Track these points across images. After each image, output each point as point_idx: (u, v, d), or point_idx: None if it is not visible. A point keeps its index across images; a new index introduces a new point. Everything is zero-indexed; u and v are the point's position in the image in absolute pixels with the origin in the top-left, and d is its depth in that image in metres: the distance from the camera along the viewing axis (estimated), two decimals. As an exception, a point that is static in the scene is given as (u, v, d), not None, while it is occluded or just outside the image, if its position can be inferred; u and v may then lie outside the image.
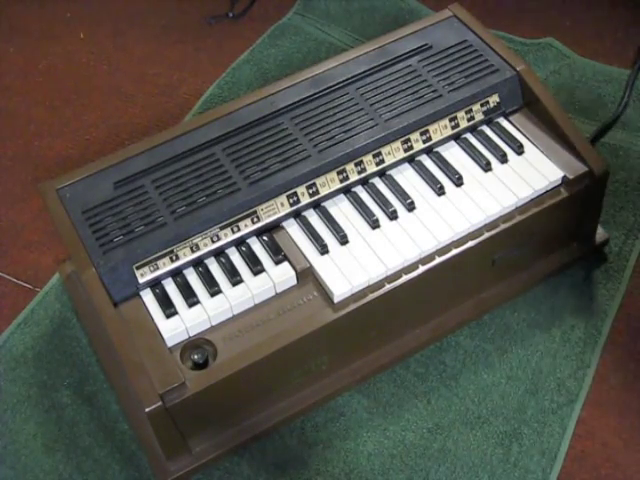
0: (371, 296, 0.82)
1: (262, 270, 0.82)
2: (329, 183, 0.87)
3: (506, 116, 0.94)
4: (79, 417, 0.92)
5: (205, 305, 0.80)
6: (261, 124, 0.90)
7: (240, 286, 0.81)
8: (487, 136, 0.92)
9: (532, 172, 0.89)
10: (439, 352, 0.95)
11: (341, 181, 0.87)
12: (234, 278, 0.81)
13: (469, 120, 0.92)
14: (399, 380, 0.93)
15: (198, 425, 0.83)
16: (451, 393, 0.92)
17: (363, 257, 0.83)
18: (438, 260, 0.84)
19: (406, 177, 0.89)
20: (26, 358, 0.98)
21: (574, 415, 0.89)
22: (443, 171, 0.90)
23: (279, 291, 0.82)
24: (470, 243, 0.85)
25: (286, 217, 0.86)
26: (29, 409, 0.93)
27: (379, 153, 0.88)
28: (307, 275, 0.82)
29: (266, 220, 0.84)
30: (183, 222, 0.82)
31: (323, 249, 0.84)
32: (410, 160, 0.91)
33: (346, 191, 0.88)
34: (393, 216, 0.86)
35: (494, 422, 0.89)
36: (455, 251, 0.85)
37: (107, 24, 1.44)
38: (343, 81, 0.93)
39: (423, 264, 0.84)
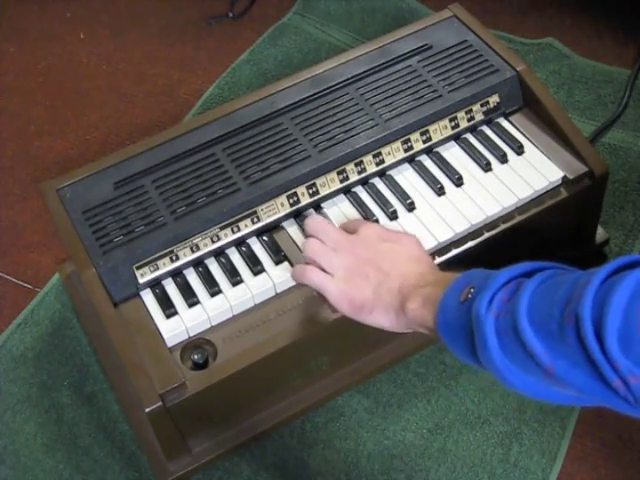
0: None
1: (262, 270, 0.82)
2: (329, 183, 0.87)
3: (506, 116, 0.94)
4: (79, 417, 0.92)
5: (205, 305, 0.80)
6: (261, 124, 0.90)
7: (240, 286, 0.81)
8: (487, 136, 0.92)
9: (532, 172, 0.89)
10: (439, 352, 0.95)
11: (341, 181, 0.87)
12: (234, 278, 0.81)
13: (469, 120, 0.92)
14: (399, 380, 0.93)
15: (198, 425, 0.83)
16: (451, 393, 0.92)
17: (363, 257, 0.83)
18: (438, 260, 0.84)
19: (406, 177, 0.90)
20: (26, 358, 0.98)
21: (574, 415, 0.89)
22: (443, 171, 0.90)
23: (279, 291, 0.82)
24: (470, 243, 0.85)
25: (286, 217, 0.86)
26: (29, 409, 0.93)
27: (379, 153, 0.88)
28: (307, 275, 0.82)
29: (266, 220, 0.84)
30: (183, 222, 0.82)
31: (323, 249, 0.83)
32: (410, 160, 0.91)
33: (346, 191, 0.88)
34: (393, 216, 0.86)
35: (494, 422, 0.89)
36: (455, 251, 0.85)
37: (107, 24, 1.44)
38: (343, 81, 0.93)
39: (423, 264, 0.84)
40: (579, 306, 0.51)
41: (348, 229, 0.78)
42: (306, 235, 0.79)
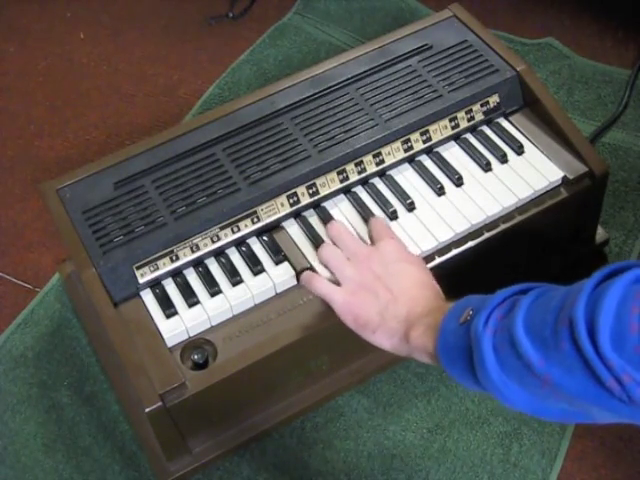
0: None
1: (262, 270, 0.82)
2: (329, 183, 0.87)
3: (506, 116, 0.94)
4: (79, 417, 0.92)
5: (205, 305, 0.80)
6: (261, 124, 0.90)
7: (240, 286, 0.81)
8: (487, 136, 0.92)
9: (532, 172, 0.89)
10: (439, 352, 0.95)
11: (341, 181, 0.87)
12: (234, 278, 0.81)
13: (469, 120, 0.92)
14: (399, 380, 0.93)
15: (198, 425, 0.83)
16: (451, 393, 0.92)
17: (363, 257, 0.83)
18: (438, 260, 0.84)
19: (406, 177, 0.89)
20: (26, 358, 0.98)
21: (574, 415, 0.89)
22: (443, 171, 0.90)
23: (279, 291, 0.82)
24: (470, 243, 0.85)
25: (286, 217, 0.86)
26: (29, 409, 0.93)
27: (379, 153, 0.88)
28: (307, 275, 0.82)
29: (266, 220, 0.84)
30: (183, 222, 0.82)
31: (323, 249, 0.83)
32: (410, 160, 0.91)
33: (346, 191, 0.88)
34: (393, 216, 0.86)
35: (494, 422, 0.89)
36: (455, 251, 0.85)
37: (107, 24, 1.44)
38: (343, 81, 0.93)
39: (423, 264, 0.84)
40: (572, 309, 0.52)
41: (372, 232, 0.81)
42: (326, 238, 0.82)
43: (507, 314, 0.58)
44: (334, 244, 0.81)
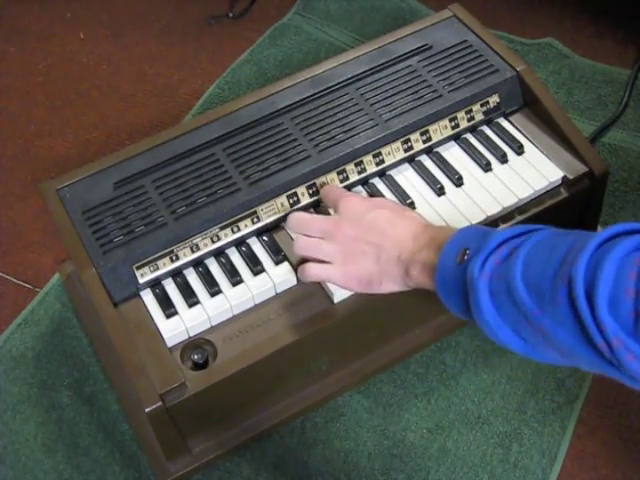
0: (372, 295, 0.81)
1: (262, 270, 0.82)
2: (329, 183, 0.86)
3: (506, 116, 0.94)
4: (79, 417, 0.92)
5: (205, 305, 0.80)
6: (261, 124, 0.90)
7: (240, 286, 0.81)
8: (487, 136, 0.92)
9: (532, 172, 0.89)
10: (439, 352, 0.95)
11: (341, 181, 0.87)
12: (234, 278, 0.81)
13: (469, 120, 0.92)
14: (399, 380, 0.93)
15: (198, 425, 0.83)
16: (451, 393, 0.92)
17: (363, 257, 0.83)
18: (438, 260, 0.84)
19: (406, 177, 0.90)
20: (26, 358, 0.98)
21: (574, 415, 0.89)
22: (443, 171, 0.90)
23: (279, 291, 0.82)
24: (470, 243, 0.85)
25: (286, 217, 0.85)
26: (29, 409, 0.93)
27: (379, 153, 0.88)
28: (307, 275, 0.82)
29: (266, 220, 0.84)
30: (183, 222, 0.82)
31: (323, 249, 0.83)
32: (410, 160, 0.91)
33: (346, 191, 0.88)
34: (393, 216, 0.86)
35: (494, 422, 0.89)
36: (455, 251, 0.85)
37: (107, 24, 1.44)
38: (343, 81, 0.93)
39: (423, 264, 0.84)
40: (573, 268, 0.53)
41: (328, 202, 0.82)
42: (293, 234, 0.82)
43: (505, 259, 0.59)
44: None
